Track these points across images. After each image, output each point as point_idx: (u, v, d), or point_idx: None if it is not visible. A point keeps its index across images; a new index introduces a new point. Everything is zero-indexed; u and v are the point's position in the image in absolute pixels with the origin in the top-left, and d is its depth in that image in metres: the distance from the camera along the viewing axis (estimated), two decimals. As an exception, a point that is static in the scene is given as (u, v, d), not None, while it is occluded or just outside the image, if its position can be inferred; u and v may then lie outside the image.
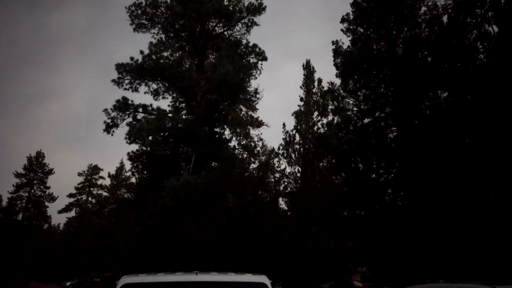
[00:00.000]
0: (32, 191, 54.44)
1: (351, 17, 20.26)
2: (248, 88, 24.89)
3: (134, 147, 25.71)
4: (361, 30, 20.28)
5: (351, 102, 20.83)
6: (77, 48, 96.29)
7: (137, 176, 25.11)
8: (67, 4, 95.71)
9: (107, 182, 56.64)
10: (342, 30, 20.52)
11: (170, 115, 22.42)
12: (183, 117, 23.50)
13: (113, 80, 23.15)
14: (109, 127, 22.87)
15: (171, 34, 24.98)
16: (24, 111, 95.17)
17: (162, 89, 25.22)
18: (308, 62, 32.28)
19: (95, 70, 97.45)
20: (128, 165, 50.10)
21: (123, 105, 22.80)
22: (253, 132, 28.43)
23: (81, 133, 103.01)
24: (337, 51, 20.65)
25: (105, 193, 56.02)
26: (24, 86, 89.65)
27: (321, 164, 28.00)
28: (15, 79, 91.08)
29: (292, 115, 30.45)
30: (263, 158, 29.40)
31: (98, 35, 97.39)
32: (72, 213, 55.79)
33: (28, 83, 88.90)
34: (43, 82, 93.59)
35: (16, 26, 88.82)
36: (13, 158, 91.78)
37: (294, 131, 30.08)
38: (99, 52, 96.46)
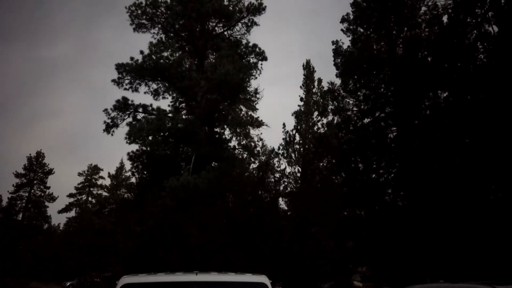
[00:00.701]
0: (32, 191, 54.47)
1: (351, 17, 20.28)
2: (248, 88, 24.92)
3: (134, 147, 25.71)
4: (361, 30, 20.29)
5: (351, 102, 20.84)
6: (68, 74, 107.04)
7: (137, 176, 25.13)
8: (57, 39, 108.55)
9: (107, 182, 56.73)
10: (342, 30, 20.55)
11: (170, 115, 22.43)
12: (183, 117, 23.50)
13: (113, 80, 23.17)
14: (109, 127, 22.87)
15: (171, 34, 24.99)
16: (24, 110, 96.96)
17: (162, 89, 25.24)
18: (308, 62, 32.27)
19: (84, 92, 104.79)
20: (128, 165, 50.07)
21: (123, 105, 22.80)
22: (253, 132, 28.42)
23: (81, 134, 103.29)
24: (337, 51, 20.66)
25: (105, 193, 56.07)
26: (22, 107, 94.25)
27: (321, 164, 27.99)
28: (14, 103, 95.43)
29: (292, 115, 30.46)
30: (263, 158, 29.39)
31: (84, 63, 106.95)
32: (72, 213, 55.85)
33: (26, 105, 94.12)
34: (40, 103, 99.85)
35: (16, 59, 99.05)
36: (13, 158, 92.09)
37: (294, 131, 30.09)
38: (86, 75, 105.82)
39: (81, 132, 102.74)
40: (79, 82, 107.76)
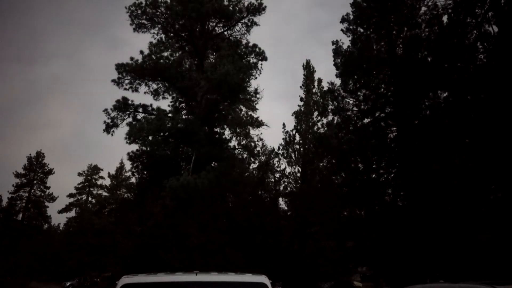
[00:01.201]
0: (32, 191, 54.47)
1: (351, 17, 20.27)
2: (248, 88, 24.93)
3: (134, 147, 25.74)
4: (361, 30, 20.28)
5: (351, 102, 20.83)
6: (61, 90, 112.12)
7: (137, 176, 25.14)
8: (50, 60, 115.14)
9: (107, 182, 56.73)
10: (342, 30, 20.54)
11: (170, 115, 22.44)
12: (183, 117, 23.52)
13: (113, 80, 23.19)
14: (109, 127, 22.89)
15: (171, 34, 25.01)
16: (22, 122, 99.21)
17: (162, 89, 25.26)
18: (308, 62, 32.32)
19: (77, 105, 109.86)
20: (128, 165, 50.16)
21: (123, 105, 22.81)
22: (253, 132, 28.46)
23: (81, 134, 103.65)
24: (337, 51, 20.65)
25: (105, 193, 56.07)
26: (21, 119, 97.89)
27: (321, 164, 27.98)
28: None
29: (292, 115, 30.49)
30: (263, 158, 29.41)
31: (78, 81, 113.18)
32: (72, 213, 55.85)
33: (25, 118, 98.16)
34: (38, 114, 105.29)
35: (9, 78, 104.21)
36: (13, 158, 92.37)
37: (294, 131, 30.11)
38: (80, 92, 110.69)
39: (80, 134, 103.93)
40: (73, 96, 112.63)
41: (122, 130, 23.37)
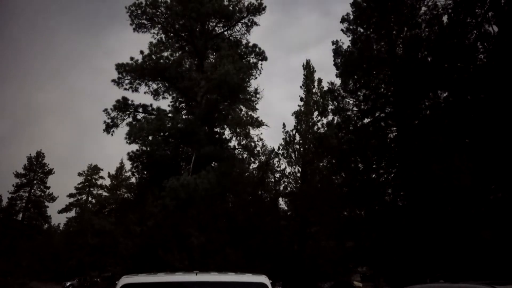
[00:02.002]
0: (32, 191, 54.51)
1: (351, 17, 20.27)
2: (248, 88, 24.95)
3: (134, 147, 25.80)
4: (361, 30, 20.27)
5: (351, 102, 20.82)
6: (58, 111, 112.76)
7: (137, 176, 25.18)
8: (46, 85, 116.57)
9: (107, 182, 56.78)
10: (342, 30, 20.54)
11: (170, 115, 22.46)
12: (183, 117, 23.53)
13: (113, 80, 23.21)
14: (109, 127, 22.92)
15: (171, 34, 25.04)
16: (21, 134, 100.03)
17: (162, 89, 25.30)
18: (308, 62, 32.24)
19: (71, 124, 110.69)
20: (128, 165, 50.25)
21: (123, 105, 22.84)
22: (253, 132, 28.49)
23: (81, 133, 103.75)
24: (337, 51, 20.65)
25: (105, 193, 56.09)
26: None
27: (321, 164, 27.95)
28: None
29: (292, 115, 30.44)
30: (263, 158, 29.40)
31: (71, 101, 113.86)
32: (72, 213, 55.96)
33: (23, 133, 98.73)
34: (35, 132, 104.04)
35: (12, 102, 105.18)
36: (13, 158, 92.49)
37: (294, 131, 30.08)
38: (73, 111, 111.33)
39: (80, 135, 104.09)
40: (69, 111, 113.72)
41: (122, 130, 23.44)
